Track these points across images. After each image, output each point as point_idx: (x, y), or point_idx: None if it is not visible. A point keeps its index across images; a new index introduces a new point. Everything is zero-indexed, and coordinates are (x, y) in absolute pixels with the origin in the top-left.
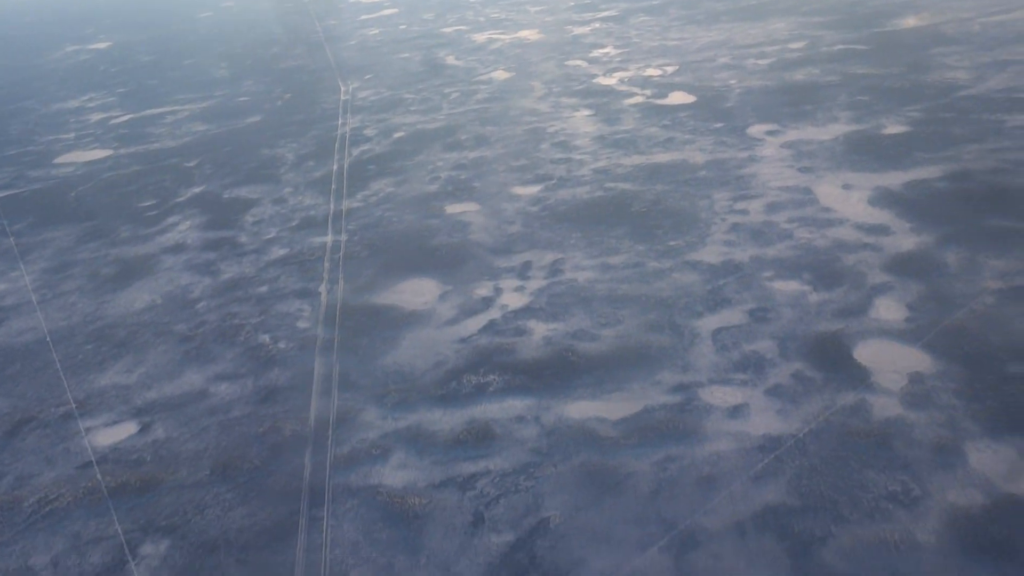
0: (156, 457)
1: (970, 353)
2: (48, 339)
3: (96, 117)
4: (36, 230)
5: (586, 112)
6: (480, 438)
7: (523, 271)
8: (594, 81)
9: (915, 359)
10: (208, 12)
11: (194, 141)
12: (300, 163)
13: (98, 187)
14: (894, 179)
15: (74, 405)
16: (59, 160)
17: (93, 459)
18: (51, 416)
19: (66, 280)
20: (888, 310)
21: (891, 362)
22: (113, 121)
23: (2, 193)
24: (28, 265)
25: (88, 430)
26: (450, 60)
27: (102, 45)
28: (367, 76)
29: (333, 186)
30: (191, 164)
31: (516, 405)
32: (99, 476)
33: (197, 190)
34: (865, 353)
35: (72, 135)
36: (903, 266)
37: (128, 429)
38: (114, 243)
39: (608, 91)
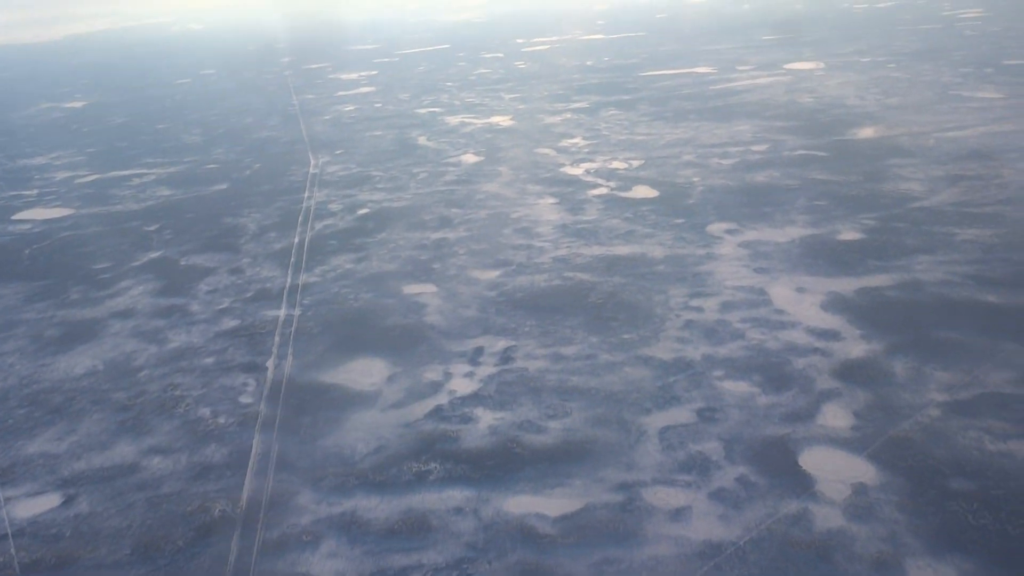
0: (76, 533)
1: (914, 466)
2: None
3: (61, 175)
4: None
5: (551, 200)
6: (415, 529)
7: (475, 356)
8: (561, 170)
9: (859, 469)
10: (187, 79)
11: (157, 205)
12: (262, 234)
13: (54, 246)
14: (847, 285)
15: None
16: (18, 216)
17: (8, 532)
18: None
19: (8, 340)
20: (835, 417)
21: (835, 471)
22: (78, 180)
23: None
24: None
25: (8, 500)
26: (421, 140)
27: (77, 104)
28: (338, 151)
29: (292, 259)
30: (151, 228)
31: (455, 496)
32: (12, 551)
33: (155, 255)
34: (810, 460)
35: (35, 191)
36: (851, 373)
37: (51, 501)
38: (62, 304)
39: (574, 181)
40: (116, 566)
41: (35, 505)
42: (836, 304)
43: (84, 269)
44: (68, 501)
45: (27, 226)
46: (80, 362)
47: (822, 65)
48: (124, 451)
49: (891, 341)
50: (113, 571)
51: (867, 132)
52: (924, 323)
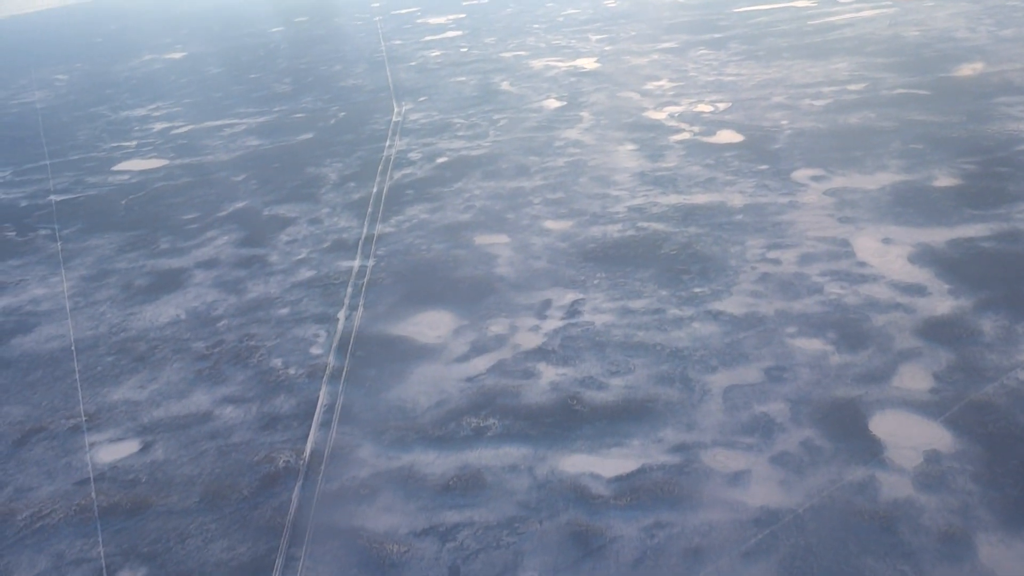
0: (151, 479)
1: (995, 433)
2: (73, 348)
3: (159, 127)
4: (83, 236)
5: (630, 147)
6: (470, 486)
7: (541, 310)
8: (643, 115)
9: (934, 435)
10: (280, 27)
11: (245, 155)
12: (342, 184)
13: (148, 197)
14: (938, 236)
15: (84, 419)
16: (117, 167)
17: (91, 476)
18: (60, 428)
19: (101, 289)
20: (913, 379)
21: (908, 436)
22: (174, 131)
23: (60, 197)
24: (69, 271)
25: (92, 445)
26: (504, 86)
27: (176, 55)
28: (421, 98)
29: (369, 209)
30: (239, 179)
31: (512, 453)
32: (93, 495)
33: (240, 205)
34: (882, 424)
35: (134, 143)
36: (935, 331)
37: (130, 447)
38: (152, 254)
39: (656, 126)
40: (185, 513)
41: (116, 451)
42: (924, 256)
43: (174, 219)
44: (146, 448)
45: (125, 176)
46: (165, 311)
47: None
48: (200, 400)
49: (981, 297)
50: (182, 517)
51: (976, 67)
52: (1020, 277)
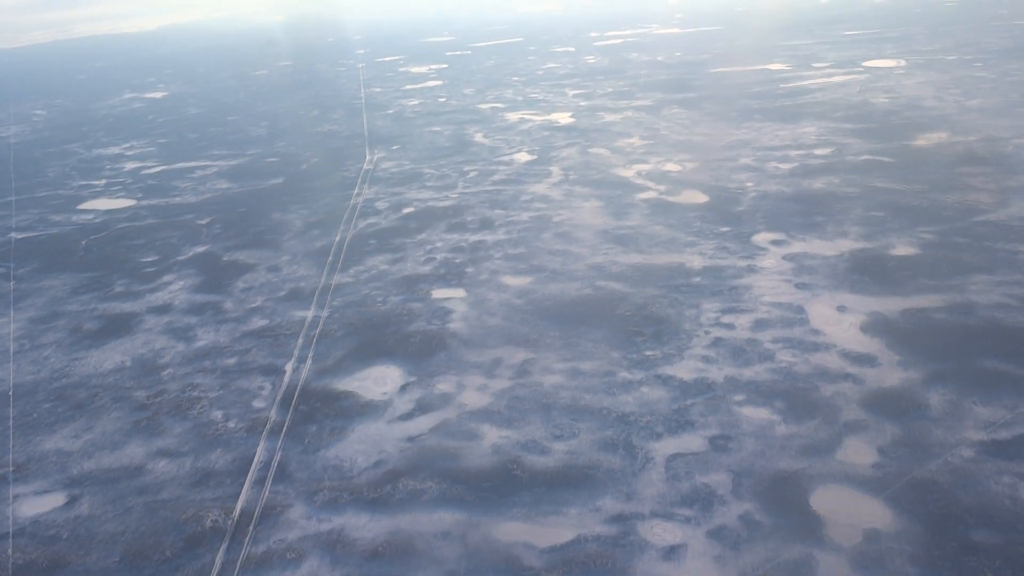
0: (73, 535)
1: (935, 513)
2: (10, 394)
3: (131, 166)
4: (38, 276)
5: (596, 203)
6: (399, 553)
7: (491, 368)
8: (612, 171)
9: (875, 513)
10: (263, 70)
11: (213, 199)
12: (306, 231)
13: (109, 238)
14: (892, 305)
15: (11, 469)
16: (83, 206)
17: (10, 532)
18: None
19: (48, 331)
20: (857, 452)
21: (848, 513)
22: (145, 171)
23: (20, 235)
24: (18, 312)
25: (16, 498)
26: (478, 137)
27: (157, 94)
28: (395, 147)
29: (330, 258)
30: (203, 222)
31: (446, 519)
32: (9, 551)
33: (200, 249)
34: (823, 500)
35: (103, 182)
36: (882, 404)
37: (55, 501)
38: (105, 297)
39: (623, 183)
40: (103, 573)
41: (40, 504)
42: (877, 326)
43: (132, 262)
44: (71, 502)
45: (89, 216)
46: (110, 357)
47: (903, 63)
48: (133, 452)
49: (931, 369)
50: None
51: (941, 136)
52: (971, 351)
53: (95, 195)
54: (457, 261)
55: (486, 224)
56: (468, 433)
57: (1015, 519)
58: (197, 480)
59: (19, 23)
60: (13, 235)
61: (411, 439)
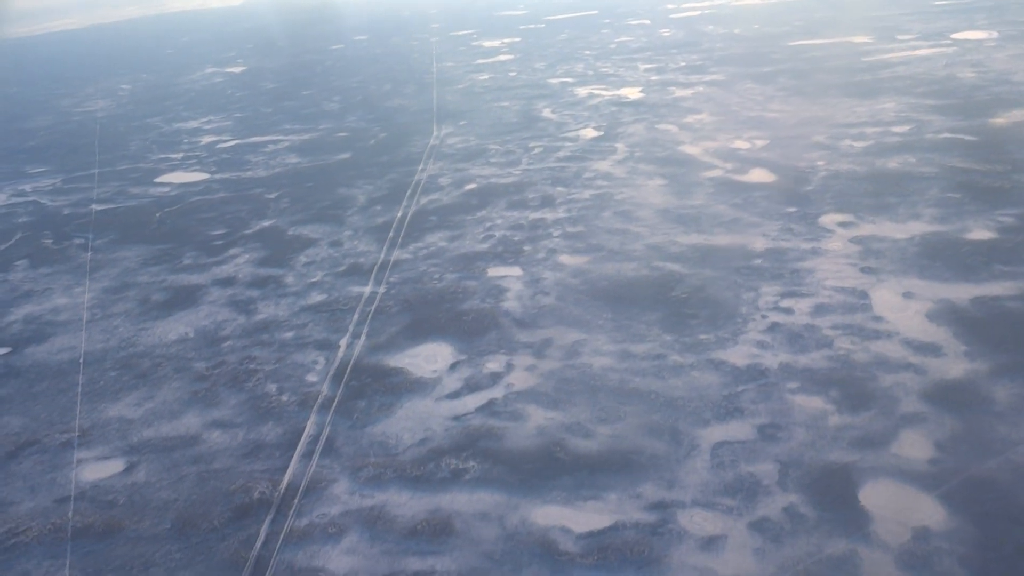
0: (129, 501)
1: (991, 513)
2: (81, 361)
3: (207, 140)
4: (113, 247)
5: (660, 181)
6: (437, 532)
7: (541, 349)
8: (678, 148)
9: (927, 510)
10: (340, 44)
11: (283, 173)
12: (369, 206)
13: (182, 210)
14: (963, 292)
15: (77, 434)
16: (160, 179)
17: (72, 495)
18: (53, 442)
19: (119, 302)
20: (912, 446)
21: (898, 510)
22: (220, 145)
23: (101, 207)
24: (93, 283)
25: (79, 463)
26: (545, 113)
27: (237, 69)
28: (462, 122)
29: (391, 234)
30: (271, 196)
31: (485, 499)
32: (70, 514)
33: (267, 223)
34: (872, 495)
35: (180, 155)
36: (944, 396)
37: (115, 467)
38: (174, 269)
39: (689, 161)
40: (154, 539)
41: (101, 469)
42: (945, 314)
43: (202, 235)
44: (130, 468)
45: (165, 189)
46: (175, 328)
47: (995, 35)
48: (190, 422)
49: (999, 361)
50: (150, 544)
51: None
52: None
53: (172, 168)
54: (515, 239)
55: (547, 202)
56: (514, 414)
57: None
58: (248, 452)
59: None
60: (94, 207)
61: (457, 418)
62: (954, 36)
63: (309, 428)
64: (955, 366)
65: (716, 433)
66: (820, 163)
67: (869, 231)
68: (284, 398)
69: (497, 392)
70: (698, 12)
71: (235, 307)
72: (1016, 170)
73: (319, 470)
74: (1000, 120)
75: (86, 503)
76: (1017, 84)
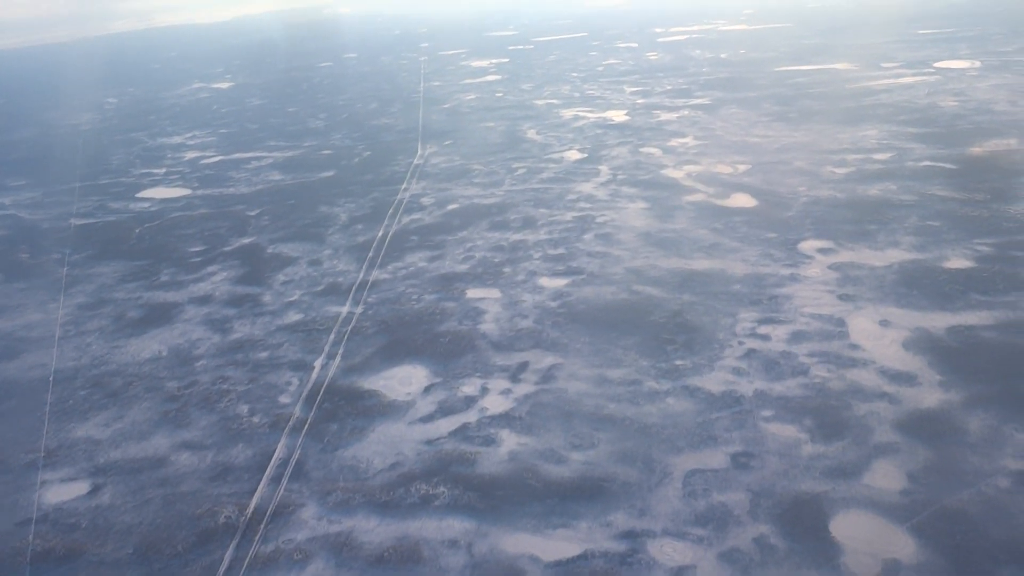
0: (91, 525)
1: (962, 545)
2: (51, 379)
3: (190, 155)
4: (90, 263)
5: (642, 204)
6: (404, 559)
7: (517, 372)
8: (661, 172)
9: (898, 542)
10: (328, 62)
11: (265, 190)
12: (350, 225)
13: (162, 226)
14: (939, 321)
15: (42, 455)
16: (141, 194)
17: (33, 518)
18: (17, 463)
19: (93, 319)
20: (885, 477)
21: (869, 542)
22: (203, 161)
23: (79, 221)
24: (68, 298)
25: (43, 484)
26: (530, 134)
27: (224, 85)
28: (447, 142)
29: (370, 254)
30: (252, 213)
31: (454, 526)
32: (30, 537)
33: (246, 241)
34: (843, 526)
35: (163, 170)
36: (917, 426)
37: (80, 489)
38: (151, 286)
39: (672, 184)
40: (115, 564)
41: (65, 491)
42: (921, 343)
43: (180, 251)
44: (95, 490)
45: (146, 204)
46: (148, 346)
47: (977, 64)
48: (159, 443)
49: (973, 391)
50: (111, 569)
51: (1009, 143)
52: (1018, 373)
53: (154, 183)
54: (495, 260)
55: (528, 223)
56: (487, 438)
57: None
58: (216, 474)
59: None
60: (73, 221)
61: (429, 442)
62: (937, 65)
63: (279, 451)
64: (929, 396)
65: (689, 461)
66: (801, 189)
67: (848, 258)
68: (255, 420)
69: (471, 416)
70: (685, 36)
71: (210, 326)
72: (995, 199)
73: (287, 494)
74: (980, 149)
75: (48, 526)
76: (998, 113)
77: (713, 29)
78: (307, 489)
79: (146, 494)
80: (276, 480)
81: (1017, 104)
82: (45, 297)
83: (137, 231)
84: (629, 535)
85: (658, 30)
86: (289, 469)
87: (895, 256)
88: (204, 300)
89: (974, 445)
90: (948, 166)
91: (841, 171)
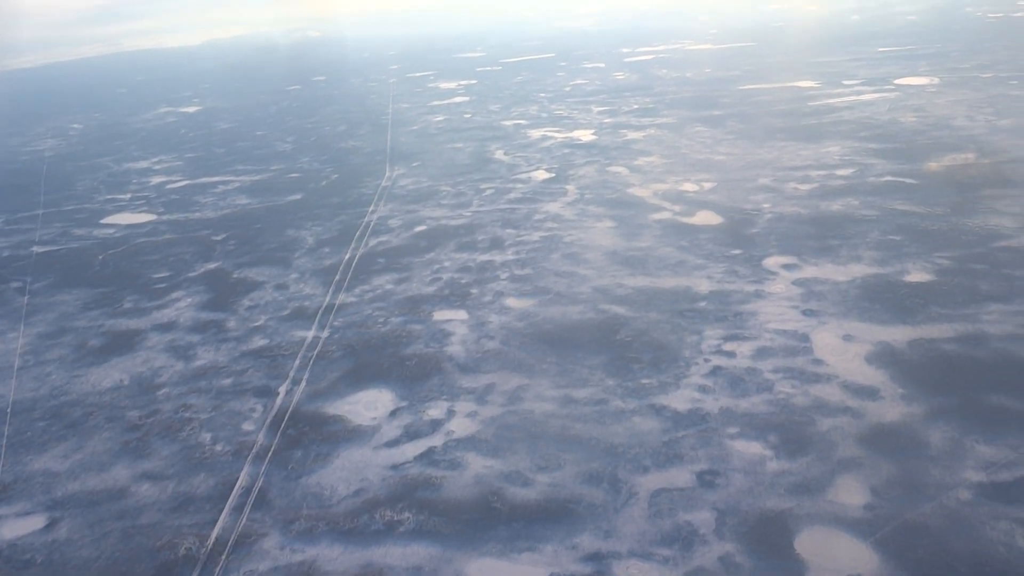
0: (47, 560)
1: (925, 559)
2: (8, 411)
3: (156, 180)
4: (52, 291)
5: (609, 224)
6: None
7: (484, 394)
8: (628, 191)
9: (861, 558)
10: (297, 85)
11: (231, 215)
12: (317, 248)
13: (126, 253)
14: (900, 334)
15: None
16: (105, 220)
17: None
18: None
19: (54, 348)
20: (848, 492)
21: (832, 558)
22: (169, 186)
23: (41, 249)
24: (28, 327)
25: None
26: (498, 155)
27: (191, 109)
28: (415, 163)
29: (337, 277)
30: (218, 238)
31: (419, 552)
32: None
33: (212, 266)
34: (808, 542)
35: (128, 196)
36: (880, 440)
37: (36, 523)
38: (114, 313)
39: (638, 203)
40: None
41: (20, 526)
42: (883, 356)
43: (144, 277)
44: (51, 525)
45: (111, 230)
46: (110, 375)
47: (936, 81)
48: (119, 474)
49: (934, 404)
50: None
51: (968, 158)
52: (978, 385)
53: (119, 209)
54: (463, 282)
55: (496, 244)
56: (452, 462)
57: (1008, 569)
58: (177, 505)
59: (74, 37)
60: (35, 248)
61: (394, 467)
62: (897, 81)
63: (242, 480)
64: (892, 410)
65: (655, 480)
66: (766, 205)
67: (812, 273)
68: (218, 448)
69: (437, 440)
70: (652, 56)
71: (173, 353)
72: (954, 212)
73: (249, 524)
74: (939, 164)
75: (1, 563)
76: (956, 129)
77: (679, 48)
78: (270, 518)
79: (104, 527)
80: (238, 510)
81: (975, 119)
82: (4, 327)
83: (101, 258)
84: (595, 557)
85: (625, 50)
86: (251, 498)
87: (857, 271)
88: (168, 327)
89: (935, 458)
90: (909, 181)
91: (804, 187)
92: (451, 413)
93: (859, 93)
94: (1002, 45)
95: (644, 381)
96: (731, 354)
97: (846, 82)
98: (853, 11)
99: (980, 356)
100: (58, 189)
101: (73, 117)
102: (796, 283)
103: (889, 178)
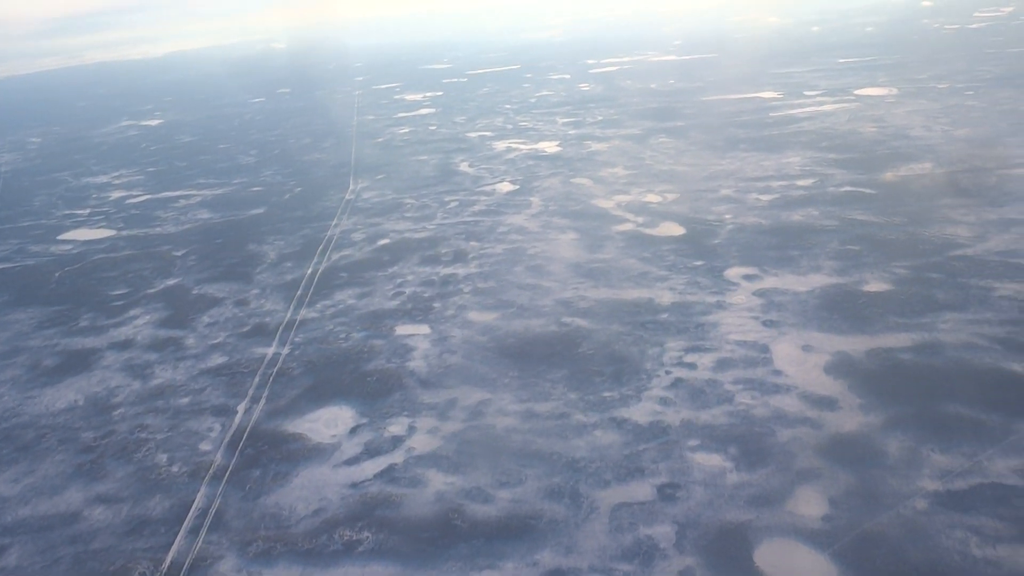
0: None
1: (882, 569)
2: None
3: (116, 195)
4: (6, 309)
5: (572, 235)
6: None
7: (445, 410)
8: (592, 202)
9: (820, 569)
10: (261, 97)
11: (193, 229)
12: (279, 263)
13: (84, 269)
14: (859, 344)
15: None
16: (63, 236)
17: None
18: None
19: (6, 368)
20: (807, 503)
21: (792, 570)
22: (129, 200)
23: None
24: None
25: None
26: (463, 167)
27: (153, 122)
28: (379, 176)
29: (299, 292)
30: (179, 253)
31: (378, 572)
32: None
33: (171, 283)
34: (767, 555)
35: (87, 211)
36: (839, 450)
37: None
38: (69, 332)
39: (602, 214)
40: None
41: None
42: (841, 367)
43: (101, 295)
44: (0, 552)
45: (68, 247)
46: (64, 396)
47: (894, 91)
48: (72, 498)
49: (891, 413)
50: None
51: (924, 167)
52: (934, 394)
53: (77, 224)
54: (425, 296)
55: (459, 257)
56: (413, 479)
57: None
58: (131, 529)
59: (34, 49)
60: None
61: (354, 485)
62: (857, 92)
63: (198, 501)
64: (850, 420)
65: (616, 495)
66: (727, 216)
67: (772, 284)
68: (175, 469)
69: (397, 457)
70: (617, 67)
71: (130, 372)
72: (912, 222)
73: (205, 546)
74: (897, 174)
75: None
76: (914, 139)
77: (644, 60)
78: (227, 540)
79: (56, 553)
80: (194, 532)
81: (932, 129)
82: None
83: (57, 275)
84: (555, 573)
85: (590, 61)
86: (208, 519)
87: (817, 281)
88: (125, 345)
89: (893, 467)
90: (867, 191)
91: (766, 198)
92: (412, 429)
93: (820, 104)
94: (958, 56)
95: (606, 394)
96: (692, 366)
97: (807, 93)
98: (813, 23)
99: (936, 365)
100: (14, 205)
101: (31, 131)
102: (757, 294)
103: (848, 188)
